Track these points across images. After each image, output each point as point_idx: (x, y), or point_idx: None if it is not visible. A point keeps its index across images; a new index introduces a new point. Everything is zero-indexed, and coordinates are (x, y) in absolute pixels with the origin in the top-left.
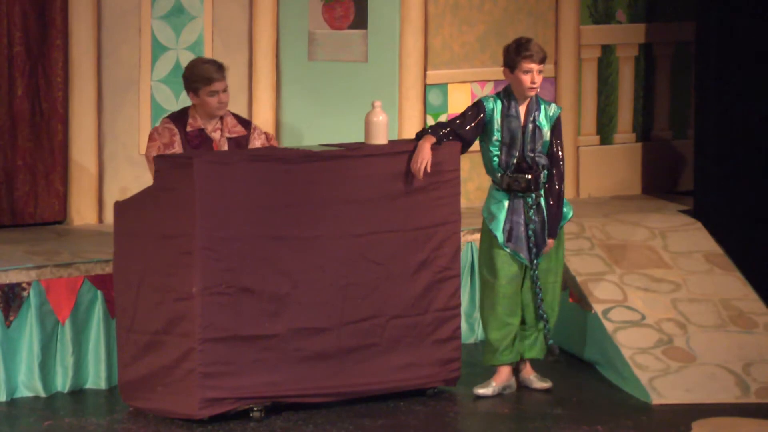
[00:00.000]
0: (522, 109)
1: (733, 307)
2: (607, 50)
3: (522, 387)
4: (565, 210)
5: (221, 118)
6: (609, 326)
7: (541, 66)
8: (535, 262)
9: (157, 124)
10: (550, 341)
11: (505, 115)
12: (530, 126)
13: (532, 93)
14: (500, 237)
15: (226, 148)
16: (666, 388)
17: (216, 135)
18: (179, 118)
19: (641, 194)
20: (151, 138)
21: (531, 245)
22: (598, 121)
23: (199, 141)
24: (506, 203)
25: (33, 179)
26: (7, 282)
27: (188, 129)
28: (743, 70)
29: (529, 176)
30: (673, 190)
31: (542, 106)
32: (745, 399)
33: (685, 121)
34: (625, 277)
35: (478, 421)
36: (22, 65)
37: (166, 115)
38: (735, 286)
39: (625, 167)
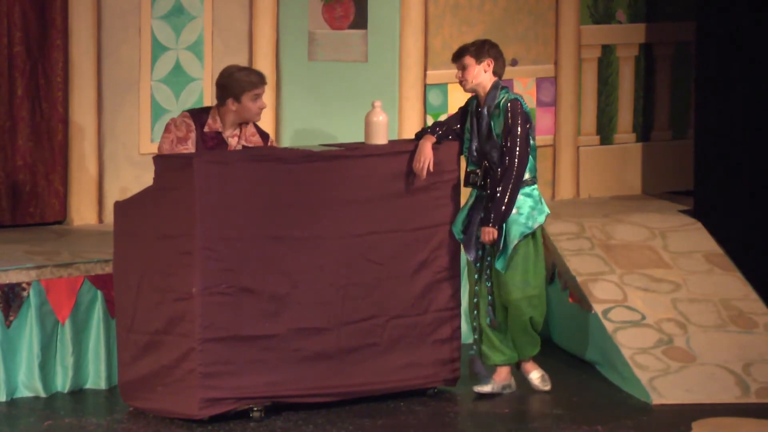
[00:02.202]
0: (481, 103)
1: (733, 307)
2: (607, 50)
3: (522, 387)
4: (529, 211)
5: (239, 126)
6: (609, 326)
7: (464, 61)
8: (478, 265)
9: (174, 116)
10: (471, 351)
11: (475, 110)
12: (483, 119)
13: (465, 88)
14: (456, 233)
15: None
16: (666, 388)
17: (233, 141)
18: (199, 115)
19: (641, 194)
20: (167, 129)
21: (479, 247)
22: (598, 121)
23: (214, 143)
24: (470, 202)
25: (33, 179)
26: (7, 282)
27: (205, 129)
28: (743, 70)
29: (479, 170)
30: (673, 190)
31: (499, 99)
32: (745, 399)
33: (685, 121)
34: (625, 277)
35: (478, 421)
36: (22, 65)
37: (186, 108)
38: (735, 286)
39: (625, 167)
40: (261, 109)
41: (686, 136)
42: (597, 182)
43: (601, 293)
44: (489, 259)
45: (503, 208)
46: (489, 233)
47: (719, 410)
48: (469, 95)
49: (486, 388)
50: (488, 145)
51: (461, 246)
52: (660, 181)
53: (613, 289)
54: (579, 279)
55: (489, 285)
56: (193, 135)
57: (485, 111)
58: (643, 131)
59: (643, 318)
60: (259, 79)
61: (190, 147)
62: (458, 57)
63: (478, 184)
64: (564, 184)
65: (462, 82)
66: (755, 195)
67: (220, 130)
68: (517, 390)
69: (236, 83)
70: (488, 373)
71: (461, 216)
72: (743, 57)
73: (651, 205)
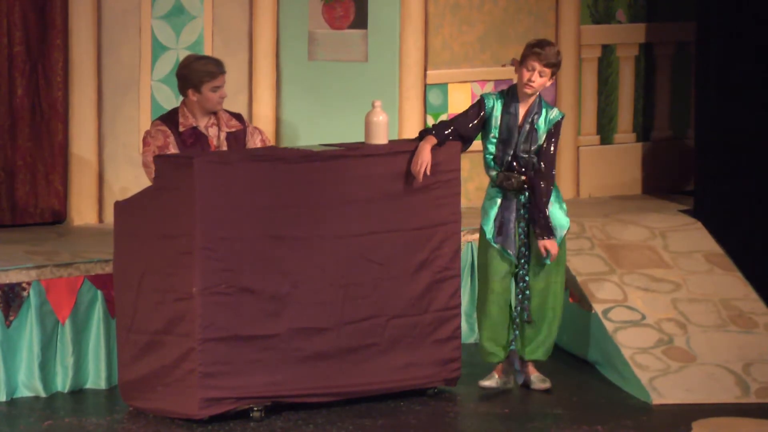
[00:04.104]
0: (522, 109)
1: (733, 307)
2: (607, 50)
3: (522, 387)
4: (559, 202)
5: (215, 114)
6: (609, 326)
7: (547, 69)
8: (522, 261)
9: (148, 128)
10: (512, 346)
11: (505, 112)
12: (527, 126)
13: (528, 90)
14: (489, 233)
15: (225, 143)
16: (666, 388)
17: (213, 131)
18: (170, 119)
19: (641, 194)
20: (145, 143)
21: (520, 243)
22: (598, 121)
23: (193, 140)
24: (498, 200)
25: (33, 179)
26: (7, 282)
27: (181, 129)
28: (743, 70)
29: (523, 177)
30: (673, 190)
31: (544, 110)
32: (745, 399)
33: (685, 121)
34: (626, 277)
35: (478, 421)
36: (22, 65)
37: (156, 118)
38: (735, 286)
39: (625, 167)
40: (222, 98)
41: (686, 136)
42: (597, 182)
43: (602, 293)
44: (528, 254)
45: (550, 221)
46: (553, 246)
47: (719, 410)
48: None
49: (491, 383)
50: (532, 153)
51: (461, 246)
52: (660, 181)
53: (614, 289)
54: (579, 279)
55: (528, 280)
56: (171, 139)
57: (530, 121)
58: (643, 131)
59: (643, 318)
60: (217, 69)
61: (173, 152)
62: (545, 63)
63: (520, 189)
64: (564, 184)
65: (530, 85)
66: (755, 195)
67: (195, 124)
68: (517, 390)
69: (195, 73)
70: (522, 369)
71: (491, 217)
72: (743, 57)
73: (651, 205)
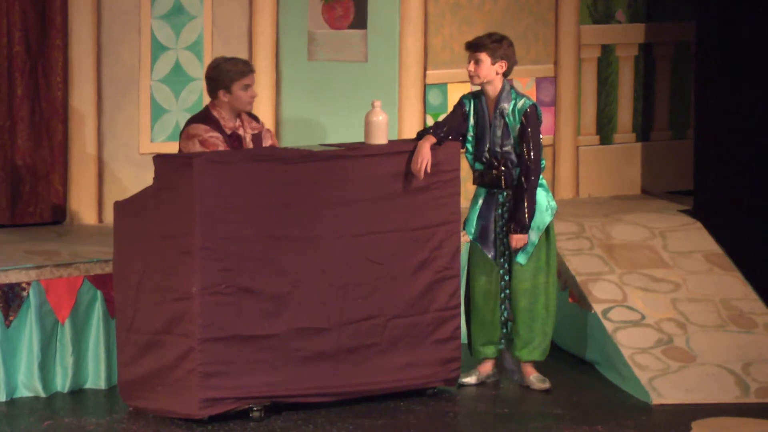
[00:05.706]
0: (490, 104)
1: (733, 306)
2: (607, 50)
3: (522, 387)
4: (546, 202)
5: (239, 115)
6: (609, 326)
7: (479, 54)
8: (502, 260)
9: (197, 132)
10: (500, 346)
11: (478, 110)
12: (497, 120)
13: (474, 82)
14: (470, 232)
15: (251, 144)
16: (666, 388)
17: (241, 132)
18: (211, 121)
19: (641, 194)
20: (207, 145)
21: (498, 243)
22: (598, 121)
23: (238, 143)
24: (480, 200)
25: (33, 179)
26: (7, 282)
27: (228, 132)
28: (743, 70)
29: (495, 171)
30: (673, 190)
31: (513, 100)
32: (745, 399)
33: (685, 121)
34: (625, 277)
35: (478, 421)
36: (22, 65)
37: (195, 122)
38: (735, 285)
39: (625, 167)
40: (252, 98)
41: (686, 136)
42: (597, 182)
43: (601, 293)
44: (507, 253)
45: (527, 214)
46: (521, 240)
47: (719, 410)
48: (459, 93)
49: (471, 380)
50: (505, 147)
51: (461, 246)
52: (660, 181)
53: (613, 288)
54: (579, 279)
55: (508, 279)
56: (224, 145)
57: (499, 113)
58: (643, 131)
59: (643, 318)
60: (247, 68)
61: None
62: (475, 49)
63: (496, 184)
64: (564, 184)
65: (473, 76)
66: (755, 195)
67: (233, 126)
68: (517, 390)
69: (225, 74)
70: (517, 367)
71: (473, 216)
72: (743, 57)
73: (651, 205)
